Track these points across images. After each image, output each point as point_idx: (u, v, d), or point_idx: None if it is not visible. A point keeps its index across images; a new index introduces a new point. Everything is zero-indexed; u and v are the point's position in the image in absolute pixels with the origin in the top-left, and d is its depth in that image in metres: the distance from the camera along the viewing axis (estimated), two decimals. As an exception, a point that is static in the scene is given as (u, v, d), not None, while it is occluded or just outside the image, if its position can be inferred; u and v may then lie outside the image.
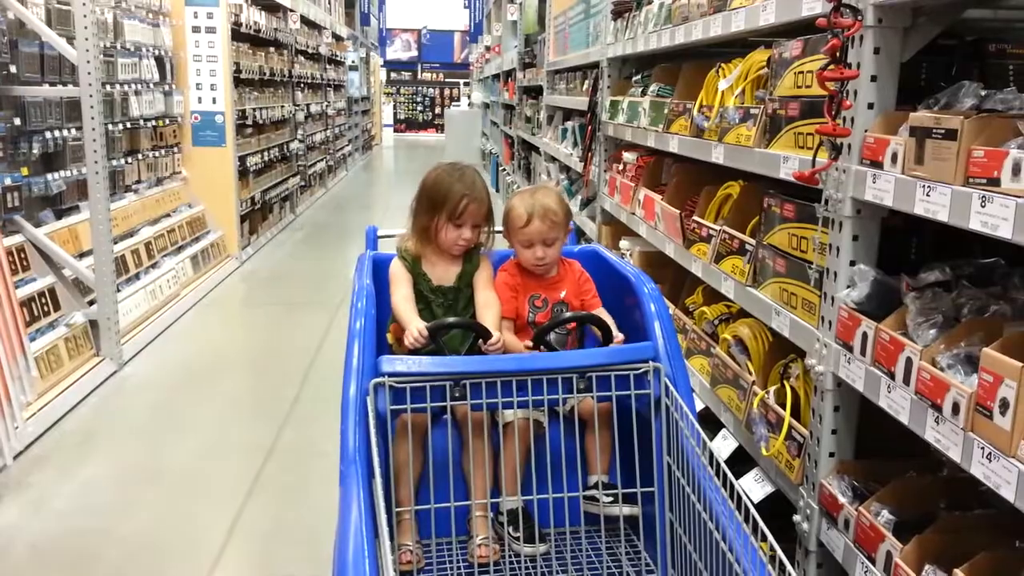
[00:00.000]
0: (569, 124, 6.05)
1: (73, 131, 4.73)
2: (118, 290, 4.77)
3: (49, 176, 4.62)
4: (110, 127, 5.35)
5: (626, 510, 1.94)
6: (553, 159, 6.82)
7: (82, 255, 4.65)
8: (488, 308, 2.13)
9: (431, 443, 1.96)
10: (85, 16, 4.25)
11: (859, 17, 1.75)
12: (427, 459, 1.98)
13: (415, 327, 1.98)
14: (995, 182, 1.37)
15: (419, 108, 28.08)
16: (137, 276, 5.43)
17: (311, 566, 2.70)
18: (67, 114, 4.70)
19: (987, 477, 1.37)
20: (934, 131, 1.53)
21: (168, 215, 6.35)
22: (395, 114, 27.82)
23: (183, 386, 4.38)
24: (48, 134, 4.57)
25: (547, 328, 2.05)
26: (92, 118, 4.30)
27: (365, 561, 1.45)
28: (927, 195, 1.53)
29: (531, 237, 2.13)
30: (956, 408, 1.43)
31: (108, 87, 5.37)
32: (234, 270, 7.02)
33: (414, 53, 28.53)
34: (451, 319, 2.07)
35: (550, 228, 2.13)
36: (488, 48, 14.97)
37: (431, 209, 2.15)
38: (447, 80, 28.07)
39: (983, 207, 1.39)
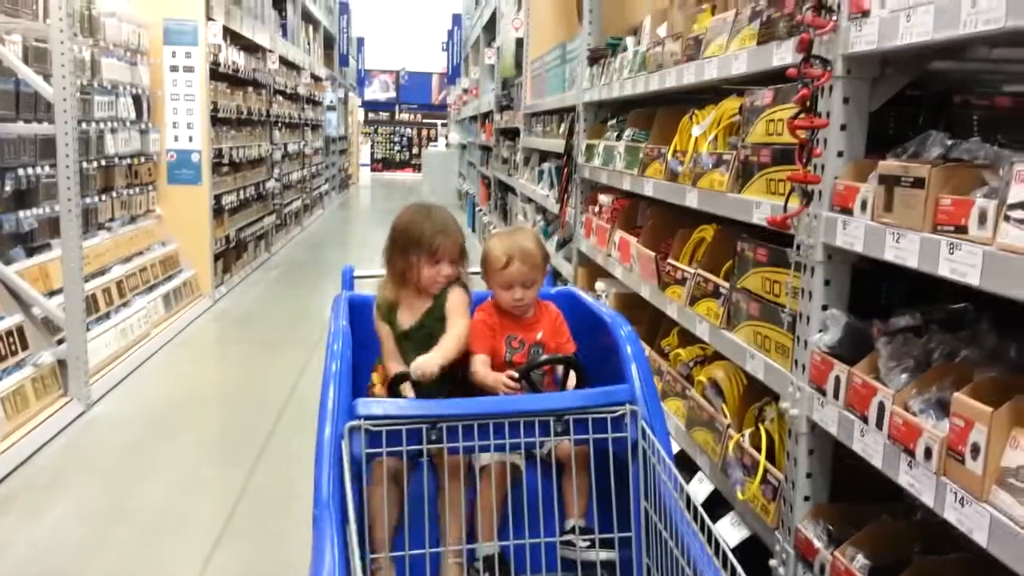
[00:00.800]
0: (546, 166, 6.11)
1: (47, 168, 4.70)
2: (88, 329, 4.70)
3: (21, 213, 4.57)
4: (85, 164, 5.32)
5: (603, 555, 1.92)
6: (530, 200, 6.87)
7: (52, 293, 4.59)
8: (448, 333, 2.11)
9: (407, 487, 1.94)
10: (63, 54, 4.25)
11: (828, 67, 1.80)
12: (403, 504, 1.95)
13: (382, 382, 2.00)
14: (963, 230, 1.41)
15: (396, 148, 28.23)
16: (107, 315, 5.36)
17: (281, 613, 2.64)
18: (41, 151, 4.67)
19: (960, 522, 1.38)
20: (902, 179, 1.57)
21: (141, 253, 6.30)
22: (372, 154, 27.93)
23: (153, 426, 4.31)
24: (21, 171, 4.54)
25: (535, 365, 2.05)
26: (67, 156, 4.27)
27: (338, 609, 1.42)
28: (896, 242, 1.56)
29: (510, 279, 2.13)
30: (928, 452, 1.45)
31: (84, 125, 5.35)
32: (207, 309, 6.95)
33: (392, 94, 28.77)
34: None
35: (530, 270, 2.13)
36: (466, 90, 15.15)
37: (406, 251, 2.15)
38: (425, 121, 28.29)
39: (951, 254, 1.42)
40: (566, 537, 1.97)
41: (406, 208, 2.26)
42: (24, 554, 2.99)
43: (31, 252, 4.74)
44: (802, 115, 1.82)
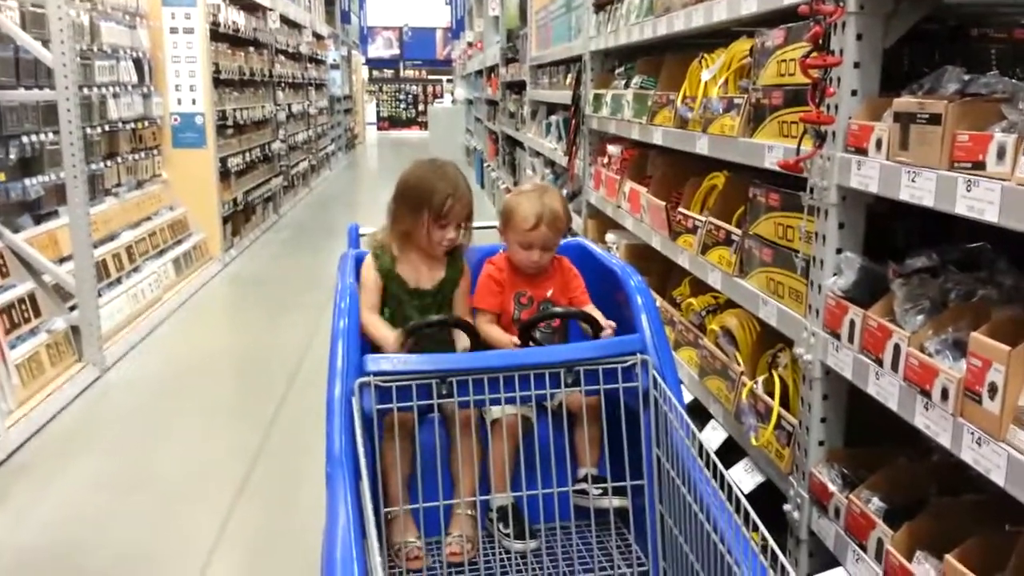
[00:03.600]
0: (553, 118, 6.03)
1: (51, 135, 4.67)
2: (99, 295, 4.71)
3: (27, 181, 4.56)
4: (88, 130, 5.28)
5: (616, 502, 1.92)
6: (538, 154, 6.81)
7: (62, 260, 4.60)
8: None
9: (419, 441, 1.94)
10: (60, 19, 4.18)
11: (841, 3, 1.74)
12: (415, 458, 1.96)
13: (394, 341, 1.96)
14: (980, 166, 1.37)
15: (402, 106, 27.99)
16: (119, 280, 5.37)
17: (301, 570, 2.67)
18: (44, 118, 4.63)
19: (977, 462, 1.36)
20: (918, 116, 1.52)
21: (149, 218, 6.29)
22: (378, 112, 27.71)
23: (168, 391, 4.34)
24: (25, 138, 4.52)
25: (532, 322, 2.02)
26: (69, 121, 4.24)
27: (353, 563, 1.43)
28: (912, 181, 1.52)
29: (533, 241, 2.09)
30: (945, 393, 1.43)
31: (85, 90, 5.30)
32: (217, 272, 6.97)
33: (396, 51, 28.41)
34: (434, 318, 2.04)
35: (554, 235, 2.10)
36: (470, 44, 14.93)
37: (415, 209, 2.08)
38: (430, 77, 27.98)
39: (968, 191, 1.38)
40: (579, 486, 1.98)
41: (418, 163, 2.18)
42: (43, 520, 3.03)
43: (39, 220, 4.73)
44: (814, 54, 1.77)
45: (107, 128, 5.71)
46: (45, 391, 3.99)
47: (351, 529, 1.51)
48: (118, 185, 5.96)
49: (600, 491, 1.94)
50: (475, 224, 2.23)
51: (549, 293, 2.16)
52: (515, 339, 2.03)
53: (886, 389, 1.61)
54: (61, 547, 2.85)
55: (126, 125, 6.06)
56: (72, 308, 4.47)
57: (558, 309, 2.09)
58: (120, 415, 4.02)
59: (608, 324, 2.01)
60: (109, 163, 5.78)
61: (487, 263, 2.19)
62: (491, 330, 2.08)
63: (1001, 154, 1.33)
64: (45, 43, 4.30)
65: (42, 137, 4.65)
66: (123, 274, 5.47)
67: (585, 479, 1.98)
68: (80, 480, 3.33)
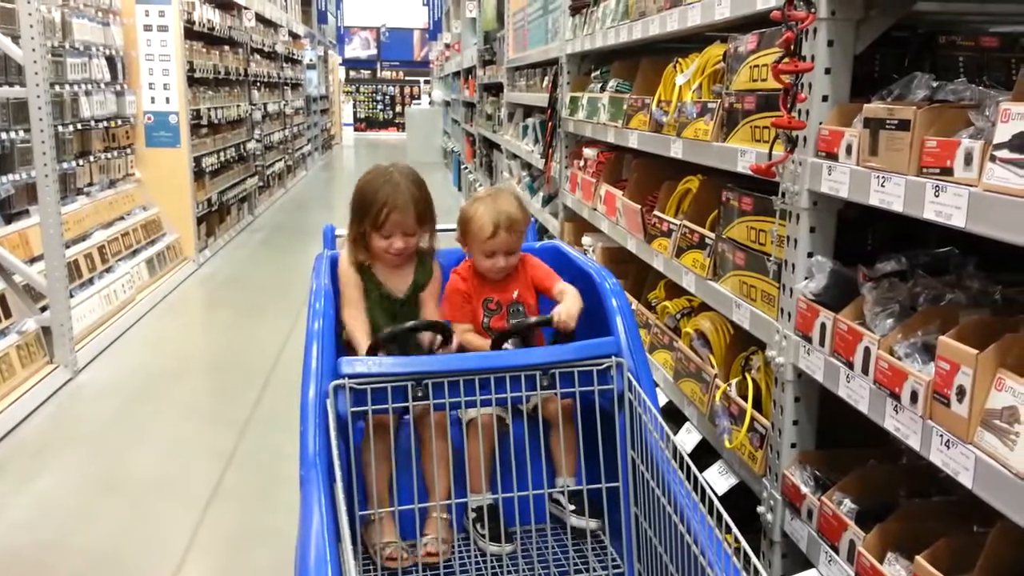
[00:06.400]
0: (530, 121, 6.04)
1: (21, 133, 4.61)
2: (71, 295, 4.65)
3: (-4, 179, 4.50)
4: (60, 128, 5.21)
5: (593, 524, 1.94)
6: (515, 156, 6.81)
7: (33, 260, 4.53)
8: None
9: (396, 444, 1.94)
10: (30, 15, 4.13)
11: (812, 10, 1.76)
12: (392, 460, 1.95)
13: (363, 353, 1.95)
14: (948, 172, 1.39)
15: (379, 107, 27.86)
16: (91, 281, 5.31)
17: (275, 573, 2.66)
18: (14, 116, 4.57)
19: (945, 464, 1.38)
20: (887, 122, 1.54)
21: (122, 218, 6.22)
22: (355, 113, 27.56)
23: (141, 393, 4.29)
24: (-6, 136, 4.45)
25: (505, 336, 2.02)
26: (40, 119, 4.18)
27: (327, 566, 1.42)
28: (881, 186, 1.54)
29: (495, 248, 2.08)
30: (914, 396, 1.45)
31: (57, 87, 5.24)
32: (191, 273, 6.90)
33: (373, 51, 28.28)
34: (407, 324, 2.02)
35: (516, 239, 2.09)
36: (448, 46, 14.91)
37: (360, 218, 2.07)
38: (407, 78, 27.88)
39: (936, 197, 1.40)
40: (555, 491, 1.98)
41: (374, 168, 2.14)
42: (16, 522, 2.99)
43: (9, 219, 4.66)
44: (786, 59, 1.79)
45: (79, 126, 5.64)
46: (16, 393, 3.94)
47: (325, 532, 1.51)
48: (90, 184, 5.89)
49: (574, 507, 1.95)
50: (444, 227, 2.22)
51: (515, 295, 2.15)
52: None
53: (856, 392, 1.63)
54: (33, 549, 2.81)
55: (99, 123, 5.99)
56: (43, 309, 4.41)
57: (532, 320, 2.07)
58: (92, 417, 3.97)
59: (557, 313, 1.99)
60: (81, 162, 5.71)
61: (452, 273, 2.17)
62: (470, 338, 2.08)
63: (968, 160, 1.35)
64: (15, 39, 4.24)
65: (12, 135, 4.59)
66: (95, 274, 5.40)
67: (562, 491, 1.98)
68: (52, 482, 3.29)
